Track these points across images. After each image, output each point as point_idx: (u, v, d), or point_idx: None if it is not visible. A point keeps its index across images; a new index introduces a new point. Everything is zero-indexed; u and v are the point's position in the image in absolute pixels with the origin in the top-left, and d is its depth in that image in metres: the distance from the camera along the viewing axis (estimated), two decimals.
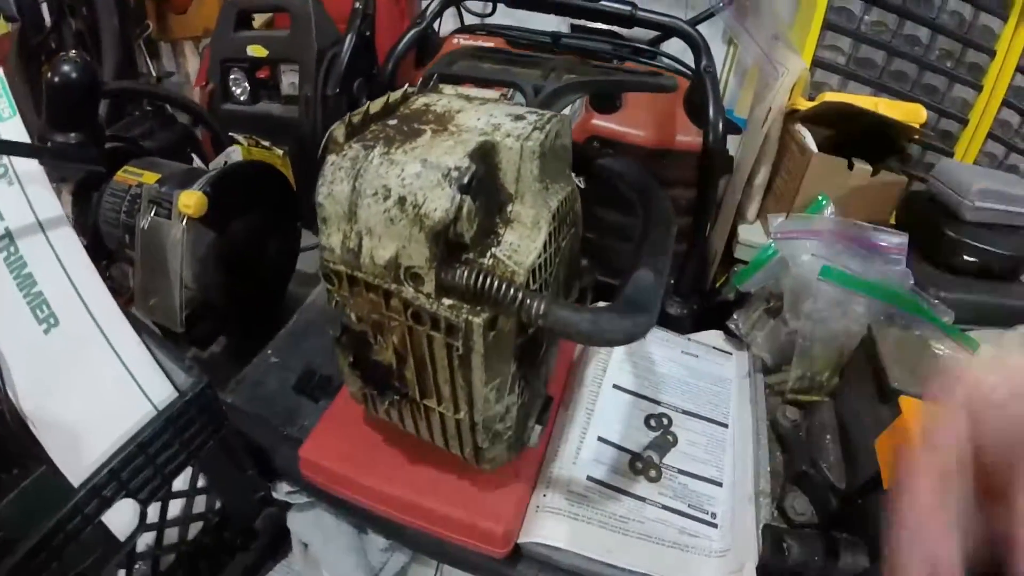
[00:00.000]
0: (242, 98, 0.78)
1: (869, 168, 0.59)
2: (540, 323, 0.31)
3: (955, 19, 0.86)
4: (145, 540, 0.50)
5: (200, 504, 0.54)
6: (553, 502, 0.49)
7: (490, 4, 0.64)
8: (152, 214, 0.55)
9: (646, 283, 0.33)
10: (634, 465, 0.51)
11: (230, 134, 0.75)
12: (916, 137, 0.62)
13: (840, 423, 0.47)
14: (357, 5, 0.65)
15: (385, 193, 0.32)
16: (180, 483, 0.51)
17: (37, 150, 0.45)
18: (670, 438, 0.53)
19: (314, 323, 0.70)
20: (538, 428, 0.44)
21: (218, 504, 0.56)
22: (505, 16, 0.66)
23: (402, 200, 0.32)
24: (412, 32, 0.61)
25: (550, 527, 0.47)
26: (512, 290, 0.31)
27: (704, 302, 0.63)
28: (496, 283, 0.31)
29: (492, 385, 0.36)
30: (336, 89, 0.65)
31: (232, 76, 0.77)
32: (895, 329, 0.47)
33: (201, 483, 0.53)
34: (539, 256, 0.34)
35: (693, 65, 0.58)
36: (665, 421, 0.55)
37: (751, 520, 0.47)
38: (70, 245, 0.48)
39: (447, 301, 0.33)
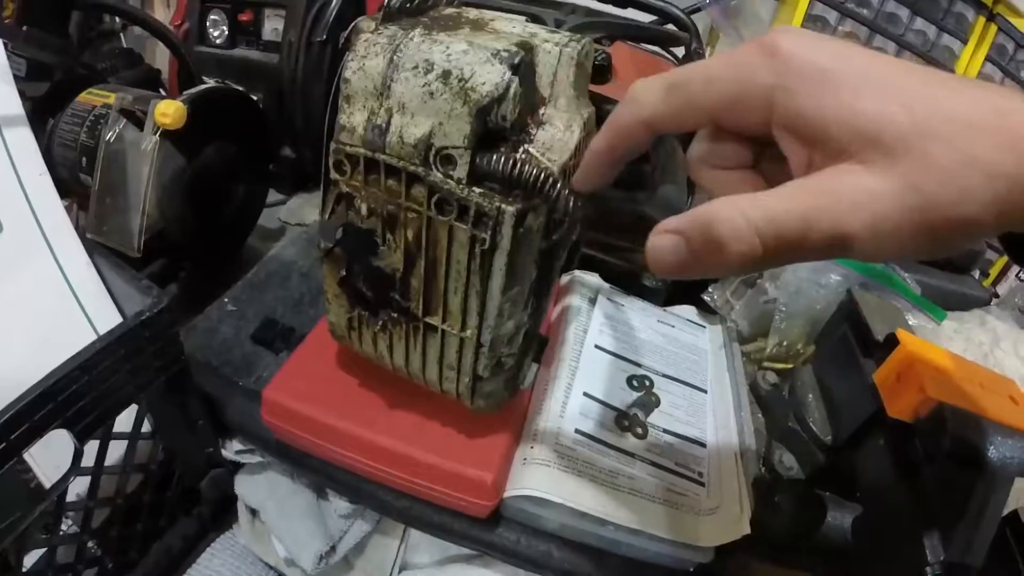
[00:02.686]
0: (219, 41, 0.72)
1: None
2: (578, 216, 0.29)
3: (920, 38, 0.91)
4: (76, 490, 0.42)
5: (142, 454, 0.46)
6: (541, 454, 0.45)
7: None
8: (120, 127, 0.48)
9: (674, 193, 0.31)
10: (620, 422, 0.49)
11: (202, 77, 0.68)
12: None
13: (821, 384, 0.47)
14: None
15: (427, 67, 0.29)
16: (123, 424, 0.44)
17: (10, 31, 0.38)
18: (653, 399, 0.51)
19: (277, 274, 0.64)
20: (534, 367, 0.41)
21: (161, 456, 0.48)
22: None
23: (446, 74, 0.29)
24: None
25: (539, 478, 0.43)
26: (551, 179, 0.29)
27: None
28: (535, 170, 0.29)
29: (509, 295, 0.33)
30: (323, 35, 0.61)
31: (211, 17, 0.70)
32: (870, 295, 0.47)
33: (146, 428, 0.45)
34: (571, 158, 0.31)
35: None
36: (647, 383, 0.53)
37: (740, 477, 0.46)
38: (25, 145, 0.42)
39: (477, 189, 0.30)
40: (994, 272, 1.17)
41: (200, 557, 0.56)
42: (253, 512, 0.56)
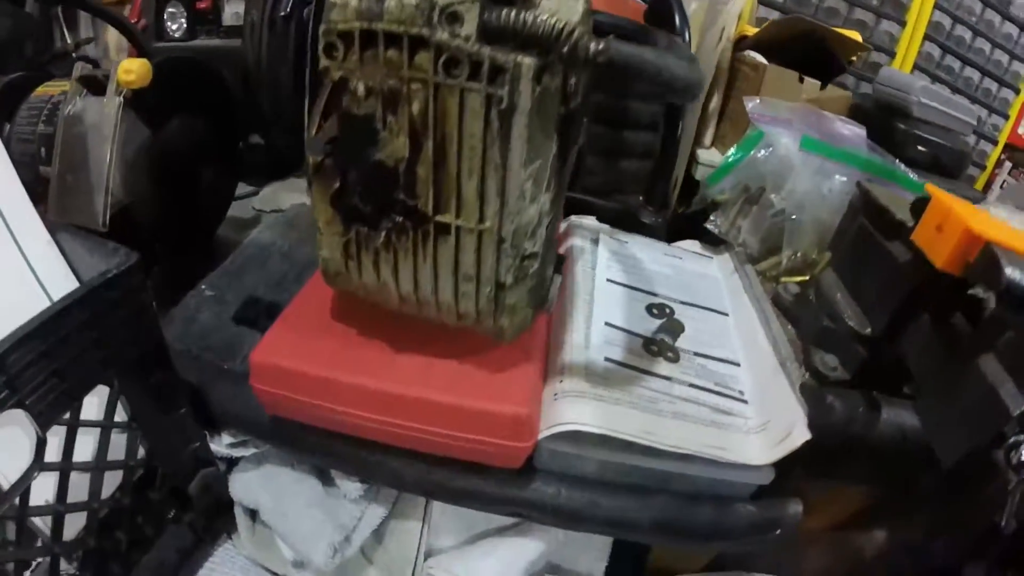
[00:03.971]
0: (178, 34, 0.67)
1: (818, 82, 0.60)
2: (600, 60, 0.25)
3: (860, 27, 0.94)
4: (44, 494, 0.35)
5: (119, 448, 0.39)
6: (573, 386, 0.40)
7: None
8: (80, 98, 0.43)
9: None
10: (649, 348, 0.45)
11: None
12: (859, 55, 0.65)
13: (846, 281, 0.44)
14: None
15: None
16: (93, 411, 0.37)
17: None
18: (676, 324, 0.47)
19: (255, 258, 0.58)
20: (557, 280, 0.37)
21: (142, 452, 0.41)
22: None
23: None
24: None
25: (576, 411, 0.38)
26: (566, 27, 0.25)
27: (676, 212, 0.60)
28: (552, 19, 0.25)
29: (531, 171, 0.29)
30: (287, 9, 0.57)
31: (168, 10, 0.66)
32: (878, 186, 0.45)
33: (121, 417, 0.39)
34: (580, 21, 0.28)
35: None
36: (667, 310, 0.49)
37: (785, 387, 0.41)
38: None
39: (488, 47, 0.26)
40: (982, 180, 1.18)
41: (198, 574, 0.48)
42: (252, 516, 0.49)
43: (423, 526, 0.48)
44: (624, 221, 0.57)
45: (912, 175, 0.49)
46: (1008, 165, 0.75)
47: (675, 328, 0.47)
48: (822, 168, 0.47)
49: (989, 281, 0.30)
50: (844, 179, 0.47)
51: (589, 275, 0.50)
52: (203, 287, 0.54)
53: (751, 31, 0.64)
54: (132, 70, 0.41)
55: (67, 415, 0.34)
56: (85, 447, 0.37)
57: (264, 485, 0.48)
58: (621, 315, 0.47)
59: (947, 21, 0.77)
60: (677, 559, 0.53)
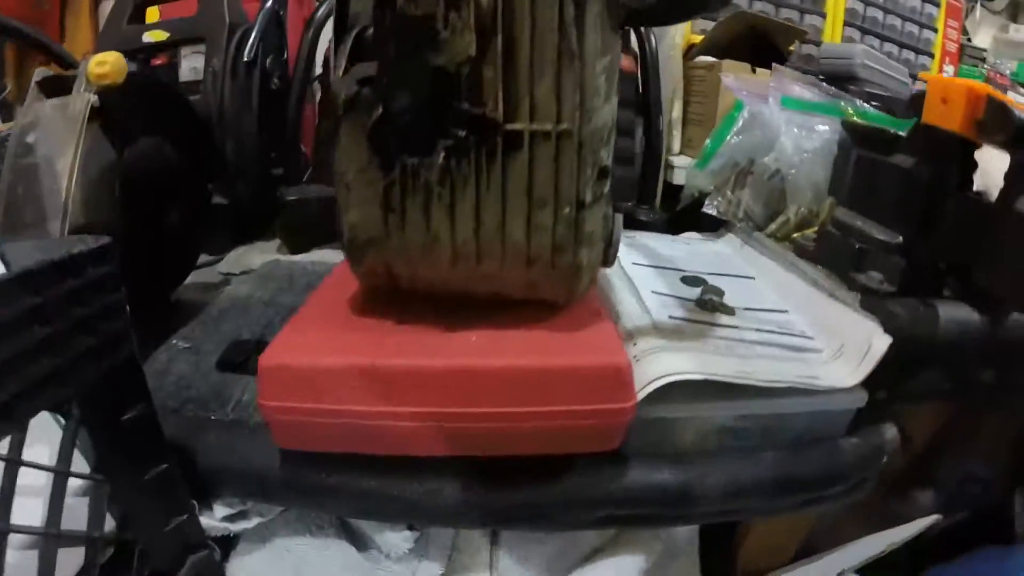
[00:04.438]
0: None
1: (768, 70, 0.63)
2: None
3: None
4: None
5: (78, 514, 0.27)
6: (649, 345, 0.34)
7: None
8: (40, 106, 0.35)
9: None
10: (704, 305, 0.40)
11: None
12: (797, 42, 0.69)
13: (860, 207, 0.44)
14: None
15: None
16: (42, 452, 0.26)
17: None
18: (715, 289, 0.44)
19: (233, 308, 0.49)
20: (618, 218, 0.33)
21: (111, 522, 0.29)
22: None
23: None
24: None
25: (666, 363, 0.32)
26: None
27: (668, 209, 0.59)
28: None
29: (603, 64, 0.26)
30: (252, 55, 0.54)
31: None
32: (859, 120, 0.47)
33: (81, 467, 0.27)
34: None
35: None
36: (700, 279, 0.46)
37: (845, 310, 0.38)
38: None
39: None
40: None
41: None
42: None
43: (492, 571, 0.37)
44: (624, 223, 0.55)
45: (884, 115, 0.53)
46: None
47: (716, 291, 0.43)
48: (804, 124, 0.49)
49: (1002, 126, 0.31)
50: (826, 128, 0.49)
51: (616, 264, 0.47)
52: (174, 341, 0.44)
53: (696, 39, 0.69)
54: (107, 62, 0.34)
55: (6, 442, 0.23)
56: (29, 509, 0.25)
57: (276, 565, 0.35)
58: (663, 285, 0.43)
59: (860, 7, 0.88)
60: (765, 556, 0.46)
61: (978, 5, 1.00)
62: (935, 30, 0.89)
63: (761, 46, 0.63)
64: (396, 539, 0.35)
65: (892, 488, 0.48)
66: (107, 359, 0.27)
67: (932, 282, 0.38)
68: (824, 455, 0.36)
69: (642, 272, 0.45)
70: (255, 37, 0.54)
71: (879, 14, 0.90)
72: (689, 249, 0.52)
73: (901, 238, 0.38)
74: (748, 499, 0.34)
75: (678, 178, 0.64)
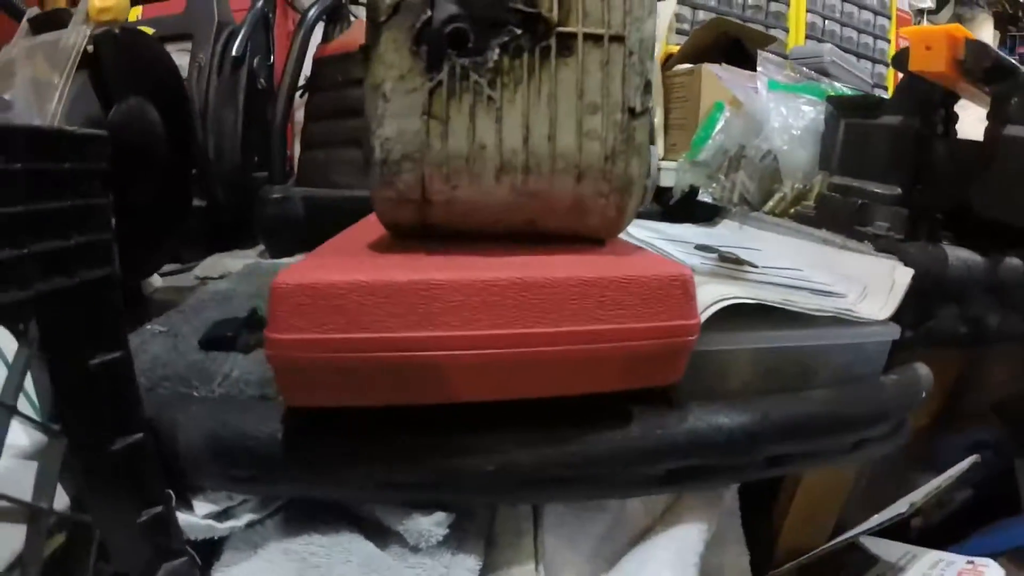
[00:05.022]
0: None
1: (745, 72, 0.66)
2: None
3: (757, 12, 1.01)
4: None
5: (21, 476, 0.19)
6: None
7: None
8: (29, 43, 0.30)
9: None
10: (726, 259, 0.38)
11: None
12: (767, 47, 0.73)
13: (854, 172, 0.45)
14: None
15: None
16: None
17: None
18: (731, 253, 0.42)
19: (214, 300, 0.42)
20: (654, 149, 0.31)
21: (64, 498, 0.21)
22: None
23: None
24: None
25: (716, 289, 0.29)
26: None
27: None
28: None
29: None
30: (240, 51, 0.51)
31: None
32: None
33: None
34: None
35: None
36: (713, 248, 0.44)
37: (861, 256, 0.38)
38: None
39: None
40: None
41: None
42: None
43: (536, 566, 0.30)
44: None
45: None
46: None
47: (730, 255, 0.42)
48: (791, 105, 0.51)
49: (981, 61, 0.33)
50: (810, 108, 0.51)
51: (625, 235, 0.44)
52: (149, 327, 0.36)
53: (673, 49, 0.71)
54: None
55: None
56: None
57: (273, 573, 0.27)
58: (679, 252, 0.41)
59: (820, 20, 0.94)
60: (805, 534, 0.41)
61: (924, 18, 1.11)
62: (888, 40, 0.97)
63: (734, 51, 0.68)
64: (427, 524, 0.28)
65: (906, 456, 0.46)
66: (79, 274, 0.20)
67: (932, 228, 0.38)
68: (869, 391, 0.33)
69: (656, 242, 0.43)
70: (244, 34, 0.51)
71: (836, 27, 0.99)
72: (692, 230, 0.51)
73: (899, 189, 0.39)
74: (805, 440, 0.31)
75: (664, 180, 0.63)
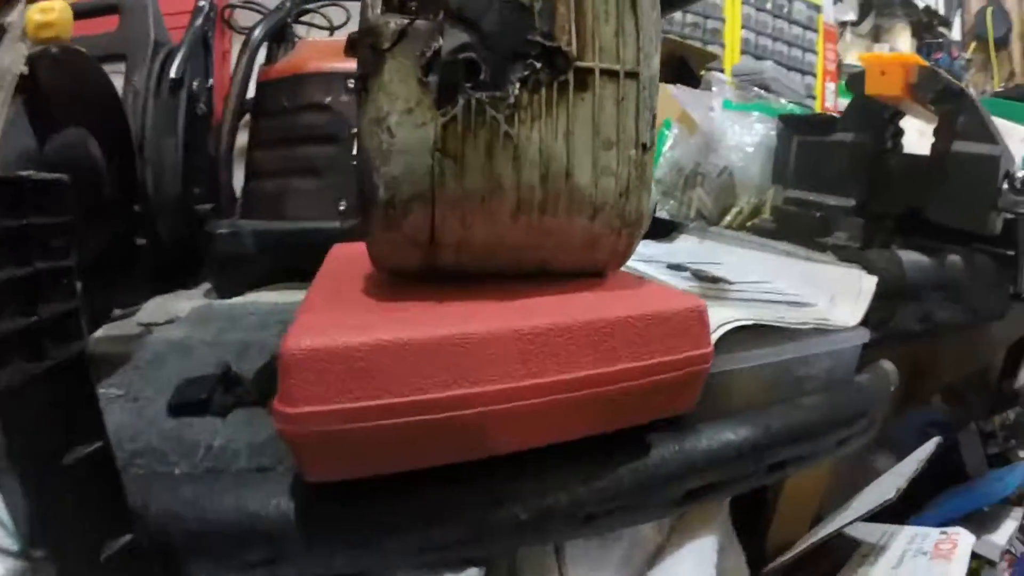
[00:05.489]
0: None
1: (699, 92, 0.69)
2: None
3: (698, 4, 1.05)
4: None
5: None
6: None
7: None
8: None
9: None
10: (702, 277, 0.40)
11: None
12: (708, 65, 0.77)
13: (807, 184, 0.49)
14: (201, 3, 0.51)
15: None
16: None
17: None
18: (702, 270, 0.44)
19: (172, 352, 0.37)
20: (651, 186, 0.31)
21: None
22: None
23: None
24: (272, 19, 0.51)
25: (717, 314, 0.31)
26: None
27: None
28: None
29: (653, 17, 0.26)
30: (181, 72, 0.46)
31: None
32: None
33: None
34: None
35: None
36: (682, 266, 0.46)
37: (826, 266, 0.41)
38: None
39: None
40: None
41: None
42: None
43: None
44: None
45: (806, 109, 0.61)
46: None
47: (703, 273, 0.43)
48: (744, 123, 0.54)
49: (932, 84, 0.38)
50: (761, 125, 0.54)
51: None
52: (102, 389, 0.31)
53: None
54: (53, 8, 0.24)
55: None
56: None
57: None
58: (653, 272, 0.42)
59: (752, 36, 0.99)
60: (789, 530, 0.44)
61: (848, 30, 1.22)
62: (816, 53, 1.05)
63: (679, 69, 0.71)
64: None
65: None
66: (50, 354, 0.17)
67: (885, 234, 0.42)
68: (849, 393, 0.36)
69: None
70: (183, 54, 0.46)
71: (768, 42, 1.06)
72: (653, 248, 0.53)
73: (855, 200, 0.42)
74: (800, 445, 0.33)
75: None
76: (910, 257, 0.41)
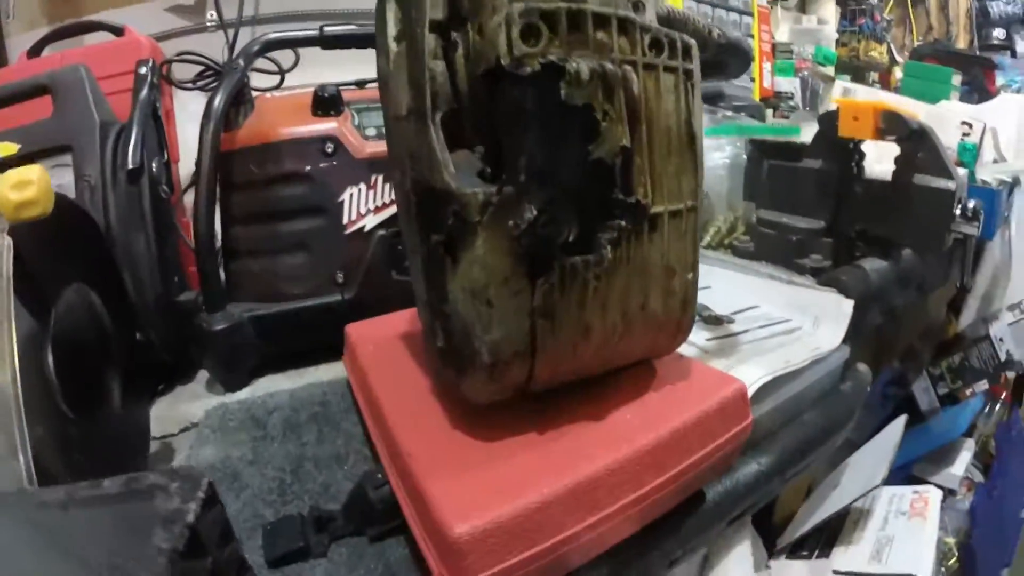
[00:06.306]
0: None
1: None
2: (722, 40, 0.27)
3: None
4: None
5: None
6: (719, 365, 0.37)
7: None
8: None
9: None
10: (709, 321, 0.45)
11: None
12: None
13: (781, 206, 0.54)
14: (143, 70, 0.44)
15: None
16: None
17: None
18: (703, 307, 0.49)
19: (222, 485, 0.36)
20: None
21: None
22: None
23: None
24: (231, 81, 0.45)
25: (744, 374, 0.35)
26: (694, 17, 0.26)
27: None
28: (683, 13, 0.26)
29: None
30: (137, 162, 0.41)
31: None
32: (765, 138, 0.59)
33: None
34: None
35: None
36: None
37: (805, 290, 0.47)
38: None
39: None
40: None
41: None
42: None
43: None
44: None
45: (770, 125, 0.65)
46: (770, 112, 1.02)
47: (704, 307, 0.48)
48: (713, 146, 0.58)
49: (897, 128, 0.45)
50: (730, 147, 0.59)
51: None
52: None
53: None
54: (30, 181, 0.21)
55: None
56: None
57: None
58: None
59: (694, 3, 0.98)
60: (790, 503, 0.52)
61: (778, 6, 1.25)
62: (752, 36, 1.07)
63: None
64: None
65: None
66: None
67: (850, 250, 0.49)
68: (838, 403, 0.44)
69: None
70: (137, 137, 0.40)
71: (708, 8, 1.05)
72: None
73: (823, 222, 0.49)
74: (807, 456, 0.40)
75: None
76: (873, 265, 0.48)
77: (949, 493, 0.60)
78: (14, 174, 0.22)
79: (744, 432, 0.32)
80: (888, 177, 0.47)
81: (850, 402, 0.44)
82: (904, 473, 0.63)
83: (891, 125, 0.44)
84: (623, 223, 0.25)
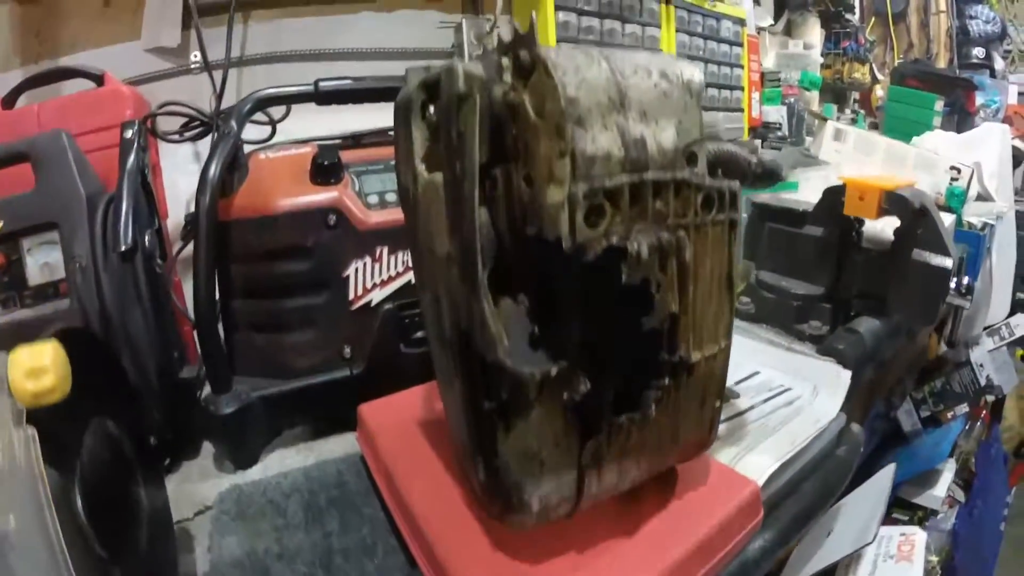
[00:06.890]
0: None
1: None
2: (759, 171, 0.28)
3: (633, 39, 0.98)
4: None
5: None
6: (728, 456, 0.39)
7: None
8: None
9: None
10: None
11: None
12: None
13: (779, 271, 0.56)
14: (128, 134, 0.40)
15: (645, 70, 0.22)
16: None
17: None
18: None
19: None
20: None
21: None
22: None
23: (663, 74, 0.23)
24: (225, 147, 0.43)
25: (753, 465, 0.38)
26: (737, 152, 0.26)
27: None
28: (727, 150, 0.26)
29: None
30: (128, 243, 0.38)
31: None
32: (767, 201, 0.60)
33: None
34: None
35: None
36: None
37: (805, 358, 0.49)
38: None
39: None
40: None
41: None
42: None
43: None
44: None
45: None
46: (758, 143, 1.02)
47: None
48: None
49: (900, 209, 0.47)
50: None
51: None
52: None
53: None
54: (45, 369, 0.19)
55: None
56: None
57: None
58: None
59: (685, 13, 0.96)
60: None
61: (766, 32, 1.23)
62: (742, 67, 1.06)
63: None
64: None
65: None
66: None
67: (847, 314, 0.51)
68: (836, 467, 0.46)
69: None
70: (126, 212, 0.38)
71: (701, 65, 1.04)
72: None
73: (823, 288, 0.50)
74: (808, 523, 0.43)
75: None
76: (868, 327, 0.51)
77: (932, 514, 0.64)
78: (27, 358, 0.21)
79: (756, 526, 0.35)
80: (884, 237, 0.50)
81: (846, 466, 0.46)
82: (891, 497, 0.68)
83: (894, 205, 0.46)
84: (667, 383, 0.25)
